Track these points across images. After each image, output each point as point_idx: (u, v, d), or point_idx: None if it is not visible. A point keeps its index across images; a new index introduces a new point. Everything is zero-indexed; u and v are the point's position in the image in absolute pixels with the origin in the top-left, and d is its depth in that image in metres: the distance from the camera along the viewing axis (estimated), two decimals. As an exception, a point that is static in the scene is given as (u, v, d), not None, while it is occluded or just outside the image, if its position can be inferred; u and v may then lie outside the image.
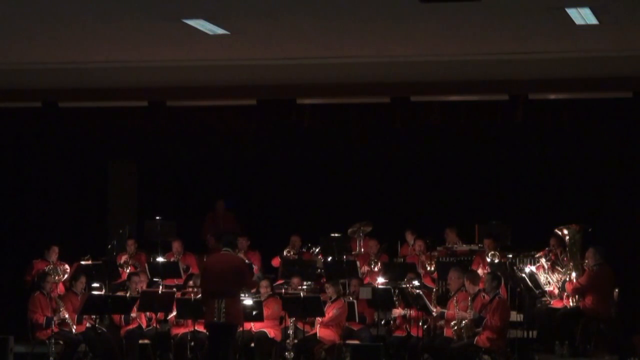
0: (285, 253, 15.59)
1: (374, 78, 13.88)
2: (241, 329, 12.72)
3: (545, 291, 13.52)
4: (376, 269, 15.02)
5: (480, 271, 13.92)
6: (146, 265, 15.15)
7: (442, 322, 13.08)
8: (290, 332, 13.31)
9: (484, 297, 12.67)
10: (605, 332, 13.16)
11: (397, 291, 13.43)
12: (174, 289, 14.36)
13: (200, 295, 12.82)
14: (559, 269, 13.61)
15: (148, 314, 13.73)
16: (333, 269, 14.74)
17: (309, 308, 13.17)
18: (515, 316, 13.62)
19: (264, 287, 13.72)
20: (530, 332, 13.65)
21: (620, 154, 15.07)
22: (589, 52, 12.79)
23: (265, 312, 13.34)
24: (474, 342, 12.44)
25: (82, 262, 14.77)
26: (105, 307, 13.53)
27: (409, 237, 15.57)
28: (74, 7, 10.76)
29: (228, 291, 11.54)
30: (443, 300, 13.54)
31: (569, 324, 13.07)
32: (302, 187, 17.31)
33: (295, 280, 14.43)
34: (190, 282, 14.30)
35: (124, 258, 15.52)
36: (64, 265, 14.83)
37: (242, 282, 11.86)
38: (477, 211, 15.96)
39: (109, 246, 16.35)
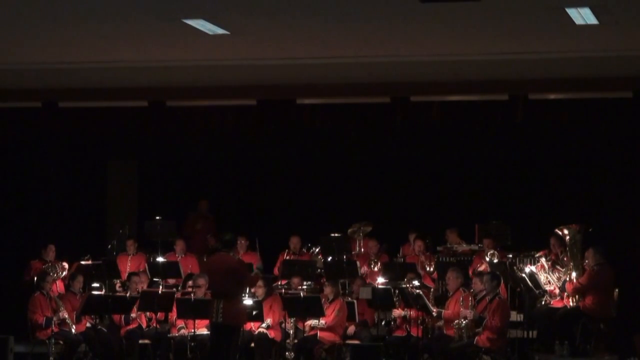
0: (285, 257, 15.58)
1: (374, 78, 13.88)
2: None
3: (546, 291, 13.52)
4: (376, 269, 15.03)
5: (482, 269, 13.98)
6: (146, 265, 15.17)
7: (440, 323, 13.09)
8: (291, 332, 13.34)
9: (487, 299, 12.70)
10: (605, 332, 13.16)
11: (397, 291, 13.44)
12: (174, 289, 14.38)
13: (199, 295, 13.12)
14: (559, 268, 13.61)
15: (148, 314, 13.74)
16: (333, 269, 14.75)
17: (309, 308, 13.18)
18: (515, 316, 13.63)
19: (259, 287, 13.69)
20: (530, 332, 13.65)
21: (620, 154, 15.07)
22: (589, 52, 12.77)
23: (272, 316, 13.37)
24: (474, 342, 12.45)
25: (82, 262, 14.79)
26: (105, 307, 13.55)
27: (412, 238, 15.57)
28: (74, 7, 10.76)
29: (227, 292, 11.59)
30: (442, 300, 13.54)
31: (569, 324, 13.06)
32: (302, 187, 17.32)
33: (295, 280, 14.44)
34: (190, 282, 14.32)
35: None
36: (61, 262, 14.84)
37: (241, 282, 11.86)
38: (477, 211, 15.96)
39: (109, 246, 16.36)
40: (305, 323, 13.39)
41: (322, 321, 13.33)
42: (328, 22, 11.45)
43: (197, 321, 13.07)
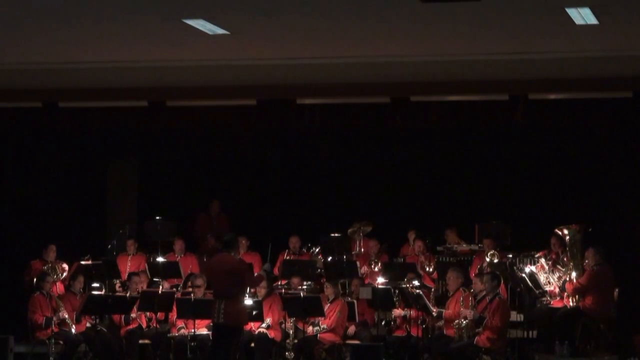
0: (285, 257, 15.57)
1: (374, 78, 13.87)
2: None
3: (546, 291, 13.52)
4: (376, 269, 15.03)
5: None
6: (146, 265, 15.16)
7: (440, 323, 13.09)
8: (291, 332, 13.34)
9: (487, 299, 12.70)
10: (605, 332, 13.16)
11: (397, 291, 13.44)
12: (174, 289, 14.38)
13: (199, 295, 13.17)
14: (560, 268, 13.61)
15: (148, 314, 13.74)
16: (333, 269, 14.75)
17: (308, 308, 13.18)
18: (515, 316, 13.63)
19: (262, 288, 13.70)
20: (530, 332, 13.65)
21: (620, 154, 15.06)
22: (589, 52, 12.77)
23: (272, 316, 13.37)
24: (474, 342, 12.46)
25: (82, 262, 14.78)
26: (105, 307, 13.55)
27: (411, 237, 15.57)
28: (74, 7, 10.76)
29: (227, 293, 11.58)
30: (442, 300, 13.55)
31: (569, 324, 13.07)
32: (302, 187, 17.31)
33: (295, 280, 14.44)
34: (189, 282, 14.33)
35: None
36: (62, 264, 14.83)
37: (242, 283, 11.87)
38: (477, 211, 15.96)
39: (109, 246, 16.35)
40: (307, 329, 13.37)
41: (324, 325, 13.34)
42: (328, 22, 11.45)
43: (197, 321, 13.08)
